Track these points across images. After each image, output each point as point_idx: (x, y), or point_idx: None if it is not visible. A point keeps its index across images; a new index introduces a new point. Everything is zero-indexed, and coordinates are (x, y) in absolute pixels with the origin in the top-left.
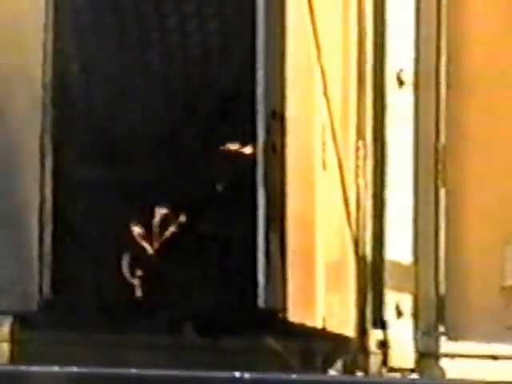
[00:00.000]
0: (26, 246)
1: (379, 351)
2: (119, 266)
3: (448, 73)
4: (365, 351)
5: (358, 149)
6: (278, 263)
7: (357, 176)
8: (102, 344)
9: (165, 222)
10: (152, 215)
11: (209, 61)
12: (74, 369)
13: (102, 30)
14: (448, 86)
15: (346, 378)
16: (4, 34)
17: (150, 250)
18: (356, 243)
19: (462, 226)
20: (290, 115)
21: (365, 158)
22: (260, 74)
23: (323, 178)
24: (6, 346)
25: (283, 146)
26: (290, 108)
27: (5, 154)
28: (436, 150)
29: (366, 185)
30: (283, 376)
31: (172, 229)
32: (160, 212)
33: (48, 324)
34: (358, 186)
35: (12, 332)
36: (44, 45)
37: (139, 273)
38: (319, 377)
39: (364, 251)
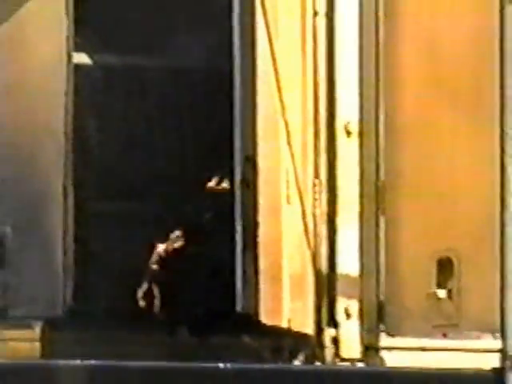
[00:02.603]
0: (54, 264)
1: (332, 345)
2: (128, 281)
3: (385, 124)
4: (321, 346)
5: (314, 185)
6: (252, 277)
7: (314, 207)
8: (114, 341)
9: (165, 246)
10: (154, 241)
11: (197, 118)
12: (92, 362)
13: (113, 93)
14: (386, 135)
15: (306, 367)
16: (32, 94)
17: (153, 268)
18: (314, 260)
19: (398, 246)
20: (260, 159)
21: (320, 193)
22: (237, 128)
23: (287, 209)
24: (37, 345)
25: (255, 184)
26: (260, 154)
27: (35, 192)
28: (376, 186)
29: (321, 214)
30: (257, 366)
31: (170, 251)
32: (160, 238)
33: (71, 326)
34: (314, 215)
35: (43, 332)
36: (66, 103)
37: (144, 286)
38: (286, 366)
39: (320, 266)
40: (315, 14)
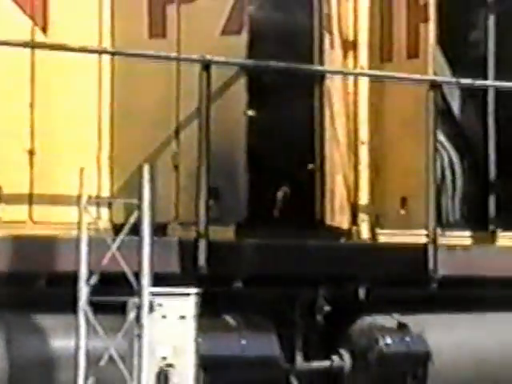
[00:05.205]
0: (238, 197)
1: (356, 233)
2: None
3: (378, 140)
4: (350, 234)
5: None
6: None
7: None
8: (267, 231)
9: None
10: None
11: None
12: (254, 240)
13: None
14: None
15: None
16: (228, 132)
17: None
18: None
19: (384, 191)
20: None
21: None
22: None
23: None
24: (232, 234)
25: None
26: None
27: (234, 167)
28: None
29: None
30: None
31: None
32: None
33: (248, 226)
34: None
35: (235, 229)
36: (244, 138)
37: (279, 206)
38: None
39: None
40: None
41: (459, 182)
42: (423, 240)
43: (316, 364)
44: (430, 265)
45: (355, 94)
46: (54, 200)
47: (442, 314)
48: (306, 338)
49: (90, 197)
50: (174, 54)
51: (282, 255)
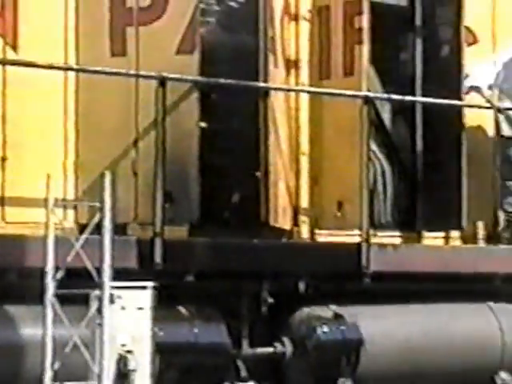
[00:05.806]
0: (192, 197)
1: (297, 234)
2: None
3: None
4: (292, 235)
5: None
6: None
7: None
8: (216, 230)
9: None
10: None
11: None
12: (214, 239)
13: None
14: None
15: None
16: (181, 143)
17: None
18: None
19: (322, 193)
20: None
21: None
22: None
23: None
24: (185, 232)
25: None
26: None
27: (183, 171)
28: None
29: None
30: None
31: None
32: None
33: (202, 226)
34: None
35: (188, 229)
36: (197, 147)
37: (234, 205)
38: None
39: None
40: None
41: (390, 188)
42: (357, 239)
43: (260, 350)
44: (363, 261)
45: (296, 108)
46: (24, 202)
47: (373, 305)
48: (251, 327)
49: (56, 199)
50: (133, 71)
51: (230, 253)
